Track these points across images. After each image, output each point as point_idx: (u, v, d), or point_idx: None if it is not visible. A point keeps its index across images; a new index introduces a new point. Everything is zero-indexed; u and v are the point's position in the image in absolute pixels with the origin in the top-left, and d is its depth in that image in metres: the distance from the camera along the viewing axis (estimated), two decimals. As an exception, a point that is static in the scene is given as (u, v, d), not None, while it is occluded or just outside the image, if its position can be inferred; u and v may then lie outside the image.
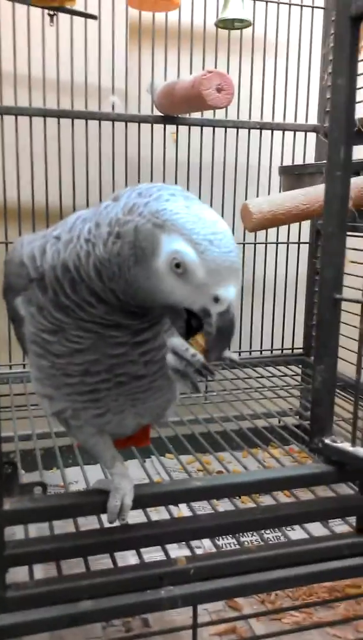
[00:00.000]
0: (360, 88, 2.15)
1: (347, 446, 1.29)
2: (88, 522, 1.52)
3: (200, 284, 0.99)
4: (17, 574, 1.27)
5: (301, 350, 3.01)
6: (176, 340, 1.08)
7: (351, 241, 1.64)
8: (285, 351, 3.01)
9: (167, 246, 1.00)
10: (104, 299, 1.09)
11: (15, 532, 1.40)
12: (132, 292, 1.06)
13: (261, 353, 2.98)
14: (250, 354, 2.96)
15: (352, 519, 1.44)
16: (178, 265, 0.99)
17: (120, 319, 1.12)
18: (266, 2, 2.73)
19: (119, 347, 1.16)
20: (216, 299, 1.00)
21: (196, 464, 2.59)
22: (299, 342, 3.01)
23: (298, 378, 2.87)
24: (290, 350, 3.01)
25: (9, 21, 2.41)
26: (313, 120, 2.87)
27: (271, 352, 3.00)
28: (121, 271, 1.04)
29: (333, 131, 1.30)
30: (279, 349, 3.00)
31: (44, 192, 2.53)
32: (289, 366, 2.93)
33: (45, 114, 2.49)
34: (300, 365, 2.95)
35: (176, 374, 1.08)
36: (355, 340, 1.40)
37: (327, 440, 1.32)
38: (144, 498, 1.26)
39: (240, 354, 2.94)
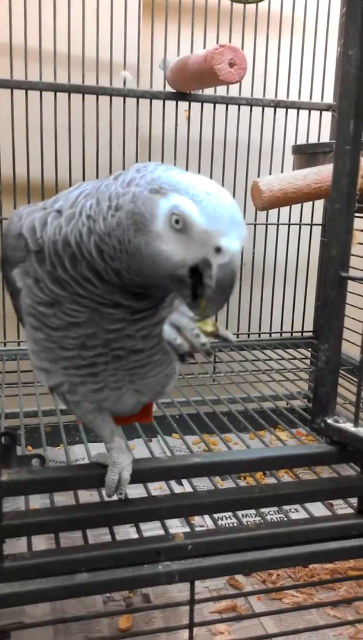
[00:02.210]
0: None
1: (348, 426, 1.28)
2: (93, 499, 1.53)
3: (201, 233, 0.98)
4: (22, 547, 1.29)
5: (311, 334, 2.98)
6: (184, 320, 1.06)
7: (360, 223, 1.61)
8: (294, 334, 2.99)
9: (164, 207, 1.00)
10: (105, 278, 1.08)
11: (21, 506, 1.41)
12: (136, 267, 1.04)
13: (270, 335, 2.96)
14: (259, 336, 2.94)
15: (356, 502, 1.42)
16: (177, 221, 0.98)
17: (120, 300, 1.11)
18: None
19: (116, 322, 1.15)
20: (218, 249, 0.98)
21: (202, 445, 2.58)
22: (309, 325, 2.99)
23: (308, 361, 2.84)
24: (300, 333, 2.99)
25: (20, -7, 2.38)
26: (328, 98, 2.81)
27: (281, 334, 2.97)
28: (122, 245, 1.03)
29: (342, 104, 1.26)
30: (289, 332, 2.98)
31: (54, 168, 2.51)
32: (298, 349, 2.90)
33: (56, 88, 2.46)
34: (310, 349, 2.93)
35: (168, 345, 1.06)
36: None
37: (329, 420, 1.31)
38: (142, 473, 1.26)
39: (249, 336, 2.92)
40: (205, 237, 0.98)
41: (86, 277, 1.09)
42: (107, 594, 1.87)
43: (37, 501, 2.04)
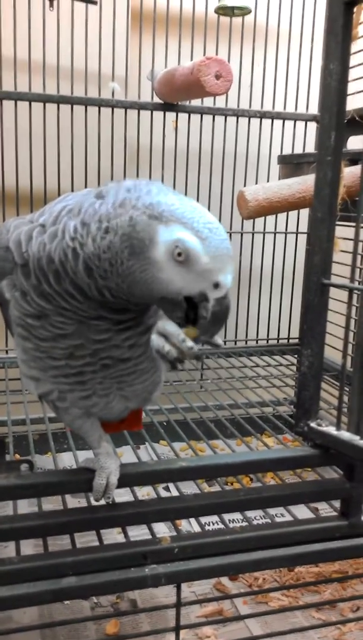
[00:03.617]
0: (358, 79, 2.17)
1: (331, 430, 1.31)
2: (80, 505, 1.54)
3: (203, 270, 1.02)
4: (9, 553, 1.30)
5: (297, 340, 3.02)
6: (170, 327, 1.09)
7: (343, 230, 1.65)
8: (280, 341, 3.02)
9: (165, 236, 1.02)
10: (88, 295, 1.10)
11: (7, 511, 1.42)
12: (125, 288, 1.07)
13: (257, 342, 2.99)
14: (246, 342, 2.97)
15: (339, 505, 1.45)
16: (179, 254, 1.01)
17: (104, 313, 1.14)
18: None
19: (103, 333, 1.17)
20: (216, 285, 1.03)
21: (189, 451, 2.60)
22: (295, 332, 3.02)
23: (294, 368, 2.87)
24: (286, 340, 3.02)
25: (10, 5, 2.41)
26: (313, 109, 2.85)
27: (267, 341, 3.01)
28: (114, 267, 1.05)
29: (324, 116, 1.30)
30: (275, 339, 3.01)
31: (43, 178, 2.53)
32: (284, 356, 2.94)
33: (45, 99, 2.49)
34: (296, 355, 2.95)
35: (157, 354, 1.10)
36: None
37: (312, 424, 1.33)
38: (129, 477, 1.28)
39: (236, 342, 2.95)
40: (206, 274, 1.02)
41: (70, 293, 1.11)
42: (95, 600, 1.88)
43: (25, 508, 2.04)
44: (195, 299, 1.05)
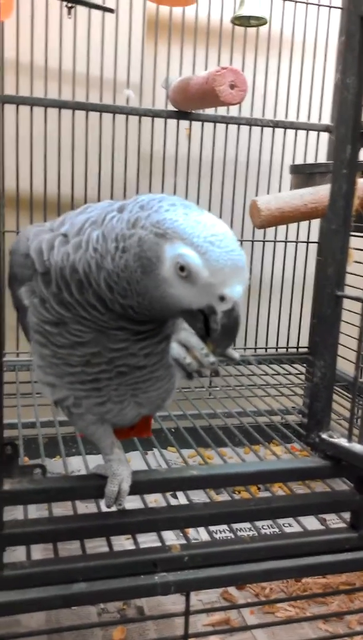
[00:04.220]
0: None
1: (342, 441, 1.31)
2: (89, 510, 1.55)
3: (205, 284, 1.02)
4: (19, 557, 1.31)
5: (306, 349, 3.02)
6: (193, 340, 1.11)
7: (356, 242, 1.65)
8: (290, 350, 3.02)
9: (170, 253, 1.03)
10: (110, 307, 1.12)
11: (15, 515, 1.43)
12: (146, 304, 1.09)
13: (266, 351, 2.99)
14: (255, 351, 2.98)
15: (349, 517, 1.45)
16: (182, 269, 1.02)
17: (124, 324, 1.15)
18: (283, 0, 2.73)
19: (120, 342, 1.19)
20: (222, 298, 1.03)
21: (198, 458, 2.60)
22: (304, 341, 3.02)
23: (303, 377, 2.87)
24: (295, 349, 3.03)
25: (28, 12, 2.44)
26: (326, 120, 2.87)
27: (277, 350, 3.01)
28: (131, 285, 1.08)
29: (340, 129, 1.31)
30: (284, 347, 3.02)
31: (57, 184, 2.55)
32: (294, 365, 2.94)
33: (60, 105, 2.51)
34: (305, 364, 2.96)
35: (175, 362, 1.11)
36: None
37: (324, 435, 1.34)
38: (141, 484, 1.28)
39: (245, 350, 2.96)
40: (209, 288, 1.02)
41: (92, 303, 1.13)
42: (102, 606, 1.88)
43: (34, 513, 2.05)
44: (205, 312, 1.06)
